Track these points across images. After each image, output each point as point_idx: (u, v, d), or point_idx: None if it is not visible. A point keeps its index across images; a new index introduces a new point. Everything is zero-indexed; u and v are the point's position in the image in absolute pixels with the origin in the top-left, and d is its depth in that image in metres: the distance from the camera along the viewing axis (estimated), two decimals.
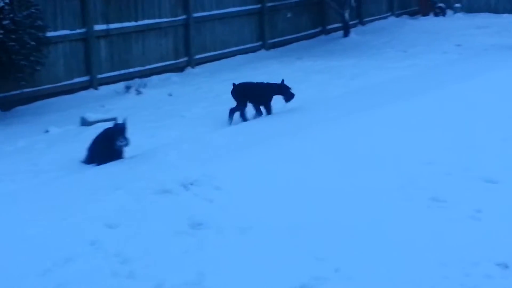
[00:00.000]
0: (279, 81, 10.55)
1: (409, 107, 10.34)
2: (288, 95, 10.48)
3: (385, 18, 21.32)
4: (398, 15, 21.78)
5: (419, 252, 5.60)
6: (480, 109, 10.14)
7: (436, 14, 21.84)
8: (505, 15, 19.96)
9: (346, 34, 18.54)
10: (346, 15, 18.53)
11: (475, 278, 5.17)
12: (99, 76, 13.75)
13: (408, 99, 10.78)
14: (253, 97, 10.55)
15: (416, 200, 6.83)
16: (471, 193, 6.99)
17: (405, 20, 21.05)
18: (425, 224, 6.21)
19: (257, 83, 10.71)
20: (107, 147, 8.65)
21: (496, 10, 20.58)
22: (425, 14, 21.98)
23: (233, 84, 10.72)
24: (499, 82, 11.85)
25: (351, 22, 19.06)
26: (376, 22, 20.66)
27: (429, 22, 20.35)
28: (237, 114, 10.47)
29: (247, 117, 10.54)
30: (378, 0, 21.06)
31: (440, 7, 21.83)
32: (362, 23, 20.36)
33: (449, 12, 21.80)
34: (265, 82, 10.69)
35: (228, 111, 10.52)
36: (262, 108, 10.59)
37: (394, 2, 21.65)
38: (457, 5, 21.72)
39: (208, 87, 13.70)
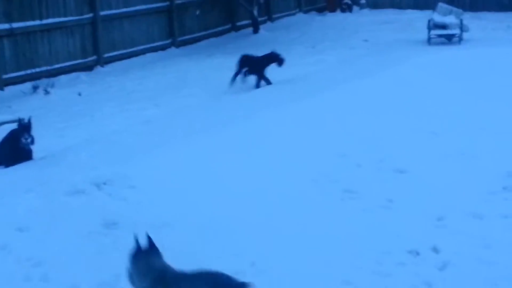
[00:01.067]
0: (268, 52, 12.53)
1: (319, 102, 10.49)
2: (279, 61, 12.37)
3: (293, 14, 21.56)
4: (306, 12, 22.07)
5: (333, 244, 5.69)
6: (389, 102, 10.39)
7: (343, 10, 22.25)
8: (408, 10, 20.53)
9: (255, 31, 18.65)
10: (255, 11, 18.64)
11: (388, 266, 5.30)
12: (4, 76, 13.33)
13: (318, 94, 10.94)
14: (253, 65, 12.47)
15: (330, 192, 6.94)
16: (382, 184, 7.16)
17: (313, 16, 21.35)
18: (339, 216, 6.32)
19: (256, 56, 12.70)
20: (13, 148, 8.42)
21: (400, 6, 21.16)
22: (333, 10, 22.36)
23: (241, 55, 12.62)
24: (405, 76, 12.18)
25: (260, 19, 19.18)
26: (285, 19, 20.87)
27: (337, 18, 20.72)
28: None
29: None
30: None
31: (346, 3, 22.26)
32: (271, 19, 20.52)
33: (355, 8, 22.25)
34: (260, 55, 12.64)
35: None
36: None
37: None
38: (363, 1, 22.20)
39: (119, 86, 13.50)
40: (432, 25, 15.54)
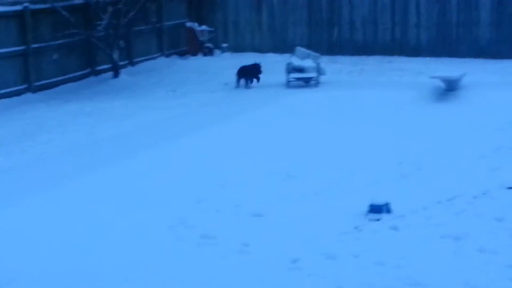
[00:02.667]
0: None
1: (177, 147, 10.48)
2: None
3: (155, 58, 21.46)
4: (168, 55, 22.05)
5: None
6: (248, 145, 10.52)
7: (205, 54, 22.41)
8: (269, 54, 20.95)
9: (116, 75, 18.38)
10: (115, 55, 18.41)
11: None
12: None
13: (176, 139, 10.93)
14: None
15: (187, 239, 6.87)
16: (239, 228, 7.18)
17: (175, 60, 21.36)
18: (195, 262, 6.24)
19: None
20: None
21: (260, 50, 21.56)
22: (194, 54, 22.47)
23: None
24: (264, 119, 12.40)
25: (121, 63, 18.94)
26: (147, 63, 20.75)
27: (198, 61, 20.83)
28: None
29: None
30: (147, 40, 21.20)
31: (208, 47, 22.45)
32: (132, 63, 20.34)
33: (217, 51, 22.48)
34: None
35: None
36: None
37: (164, 43, 21.93)
38: (225, 45, 22.48)
39: None
40: (291, 69, 15.93)
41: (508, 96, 12.91)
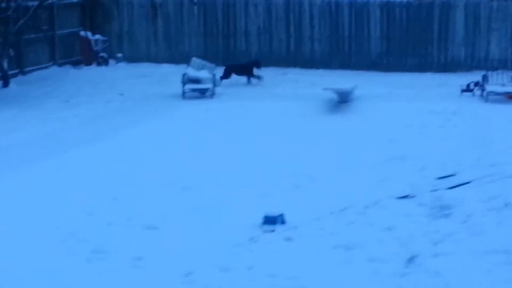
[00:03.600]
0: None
1: (67, 160, 10.23)
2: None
3: (47, 67, 20.87)
4: (61, 65, 21.50)
5: None
6: (142, 157, 10.38)
7: (99, 64, 21.98)
8: (164, 65, 20.78)
9: (5, 85, 17.77)
10: (5, 64, 17.81)
11: None
12: None
13: (66, 151, 10.67)
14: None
15: (78, 253, 6.69)
16: (133, 241, 7.06)
17: (68, 70, 20.85)
18: (87, 278, 6.08)
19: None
20: None
21: (156, 60, 21.34)
22: (89, 63, 22.01)
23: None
24: (158, 130, 12.29)
25: (11, 72, 18.35)
26: (38, 72, 20.14)
27: (92, 71, 20.42)
28: None
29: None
30: (39, 49, 20.61)
31: (102, 56, 22.04)
32: (23, 72, 19.71)
33: (112, 61, 22.09)
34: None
35: None
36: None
37: (57, 52, 21.38)
38: (120, 55, 22.13)
39: None
40: (187, 80, 15.86)
41: (398, 108, 13.31)
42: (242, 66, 17.28)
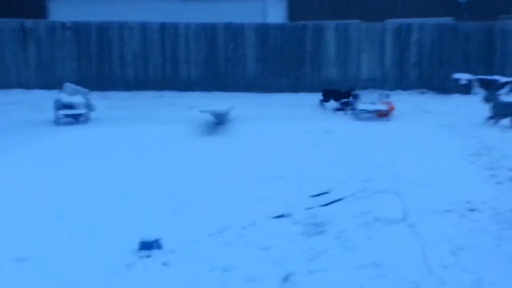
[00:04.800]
0: None
1: None
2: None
3: None
4: None
5: None
6: (12, 186, 9.99)
7: None
8: (36, 90, 20.26)
9: None
10: None
11: None
12: None
13: None
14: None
15: None
16: (1, 275, 6.74)
17: None
18: None
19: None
20: None
21: (28, 86, 20.76)
22: None
23: None
24: (30, 158, 11.88)
25: None
26: None
27: None
28: None
29: None
30: None
31: None
32: None
33: None
34: None
35: None
36: None
37: None
38: None
39: None
40: (60, 105, 15.46)
41: (273, 128, 13.51)
42: (340, 92, 16.54)
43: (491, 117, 13.79)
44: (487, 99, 14.09)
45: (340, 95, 16.34)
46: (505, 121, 13.61)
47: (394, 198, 8.91)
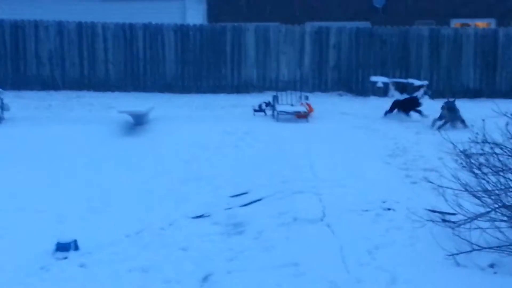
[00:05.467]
0: None
1: None
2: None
3: None
4: None
5: None
6: None
7: None
8: None
9: None
10: None
11: None
12: None
13: None
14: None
15: None
16: None
17: None
18: None
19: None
20: None
21: None
22: None
23: None
24: None
25: None
26: None
27: None
28: None
29: None
30: None
31: None
32: None
33: None
34: None
35: None
36: None
37: None
38: None
39: None
40: None
41: (193, 129, 13.47)
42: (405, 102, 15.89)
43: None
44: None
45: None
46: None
47: (313, 198, 9.02)
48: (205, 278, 6.50)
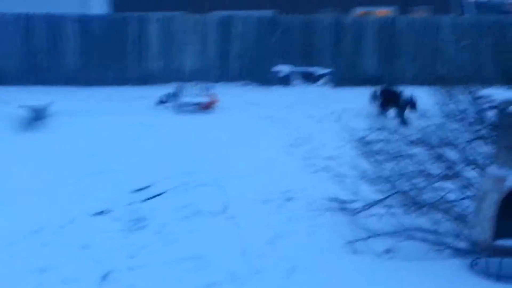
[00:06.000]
0: None
1: None
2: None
3: None
4: None
5: None
6: None
7: None
8: None
9: None
10: None
11: None
12: None
13: None
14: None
15: None
16: None
17: None
18: None
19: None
20: None
21: None
22: None
23: None
24: None
25: None
26: None
27: None
28: None
29: None
30: None
31: None
32: None
33: None
34: None
35: None
36: None
37: None
38: None
39: None
40: None
41: (96, 122, 13.25)
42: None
43: None
44: None
45: None
46: None
47: (216, 190, 9.03)
48: (105, 276, 6.41)
